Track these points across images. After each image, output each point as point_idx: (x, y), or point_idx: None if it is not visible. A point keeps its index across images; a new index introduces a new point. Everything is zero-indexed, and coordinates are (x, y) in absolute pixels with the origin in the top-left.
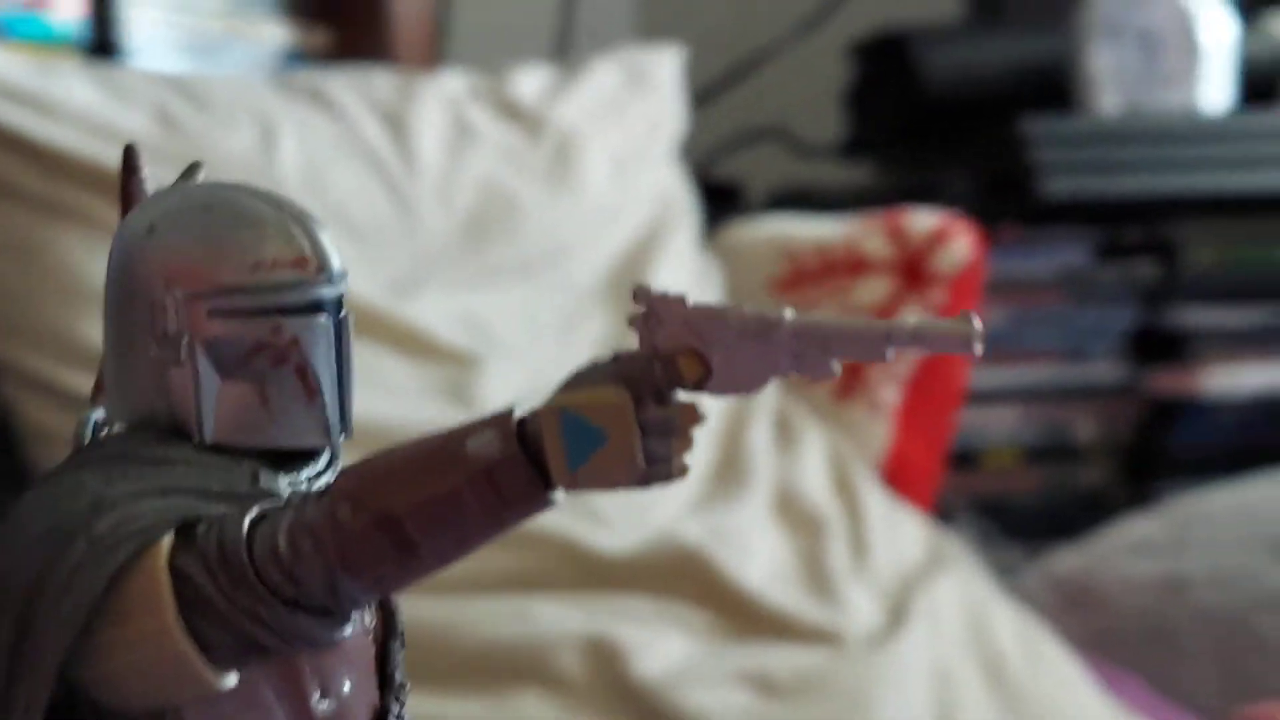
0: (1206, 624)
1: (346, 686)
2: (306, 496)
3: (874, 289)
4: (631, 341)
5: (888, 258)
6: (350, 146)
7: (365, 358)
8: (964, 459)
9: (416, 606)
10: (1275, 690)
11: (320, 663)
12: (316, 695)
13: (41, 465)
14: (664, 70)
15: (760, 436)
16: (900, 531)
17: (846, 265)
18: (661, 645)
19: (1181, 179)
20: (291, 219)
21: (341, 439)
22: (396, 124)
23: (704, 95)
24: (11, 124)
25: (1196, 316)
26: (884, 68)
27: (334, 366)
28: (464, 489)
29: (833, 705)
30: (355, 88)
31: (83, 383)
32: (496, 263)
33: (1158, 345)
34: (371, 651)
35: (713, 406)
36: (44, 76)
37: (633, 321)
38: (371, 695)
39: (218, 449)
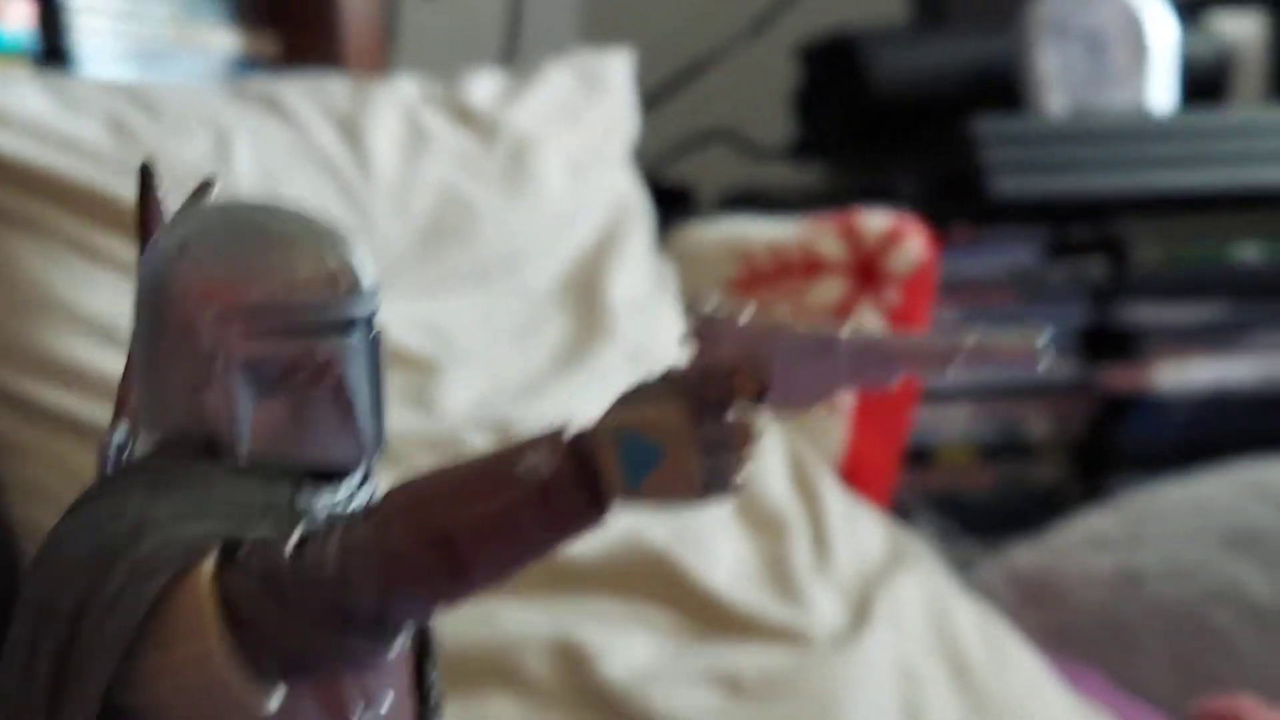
0: (1162, 617)
1: (388, 703)
2: (353, 516)
3: (829, 289)
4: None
5: (842, 259)
6: (305, 154)
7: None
8: (920, 457)
9: None
10: (1230, 682)
11: (362, 680)
12: (358, 711)
13: (4, 479)
14: (616, 73)
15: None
16: (861, 530)
17: (801, 266)
18: (628, 647)
19: (1129, 178)
20: (323, 237)
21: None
22: (351, 130)
23: (652, 98)
24: None
25: (1146, 313)
26: (832, 70)
27: (368, 384)
28: (518, 508)
29: (800, 705)
30: (309, 94)
31: (42, 393)
32: (454, 268)
33: (1108, 342)
34: (409, 668)
35: None
36: None
37: (686, 338)
38: (409, 711)
39: (253, 469)
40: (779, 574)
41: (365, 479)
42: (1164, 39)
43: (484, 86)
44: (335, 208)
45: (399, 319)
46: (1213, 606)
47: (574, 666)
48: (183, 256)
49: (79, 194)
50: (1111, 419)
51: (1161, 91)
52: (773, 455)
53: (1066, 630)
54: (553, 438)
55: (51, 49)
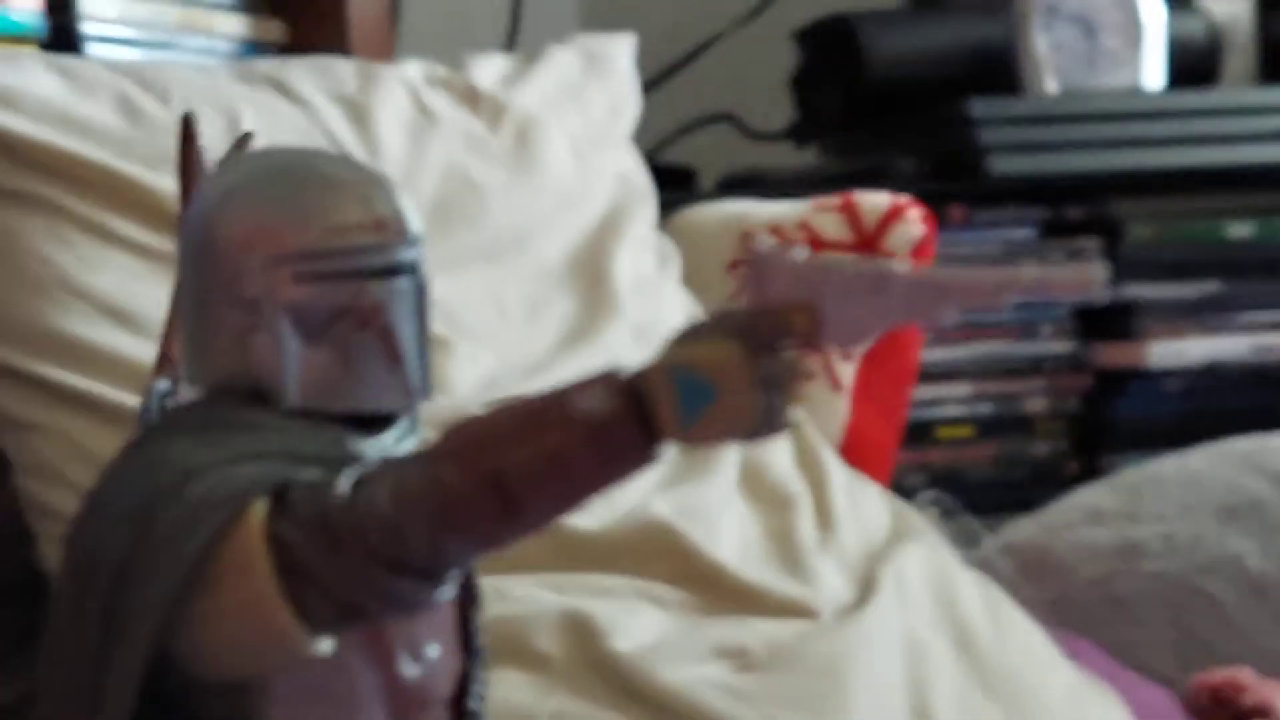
0: (1159, 590)
1: (434, 652)
2: (405, 459)
3: None
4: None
5: (843, 238)
6: (314, 135)
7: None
8: (919, 434)
9: None
10: (1227, 654)
11: (408, 628)
12: (404, 660)
13: (15, 456)
14: (619, 56)
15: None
16: (865, 506)
17: (802, 246)
18: (636, 621)
19: (1123, 158)
20: (369, 183)
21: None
22: (358, 112)
23: (652, 82)
24: None
25: (1140, 291)
26: (830, 53)
27: (414, 329)
28: (572, 448)
29: (807, 677)
30: (315, 76)
31: (53, 373)
32: (461, 248)
33: (1103, 320)
34: (455, 619)
35: None
36: (3, 68)
37: (739, 276)
38: (456, 661)
39: (301, 414)
40: (785, 549)
41: (412, 424)
42: (1155, 20)
43: (489, 68)
44: None
45: None
46: (1209, 579)
47: (583, 640)
48: (228, 204)
49: (89, 175)
50: (1107, 395)
51: (1153, 72)
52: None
53: (1065, 604)
54: (607, 378)
55: (59, 33)
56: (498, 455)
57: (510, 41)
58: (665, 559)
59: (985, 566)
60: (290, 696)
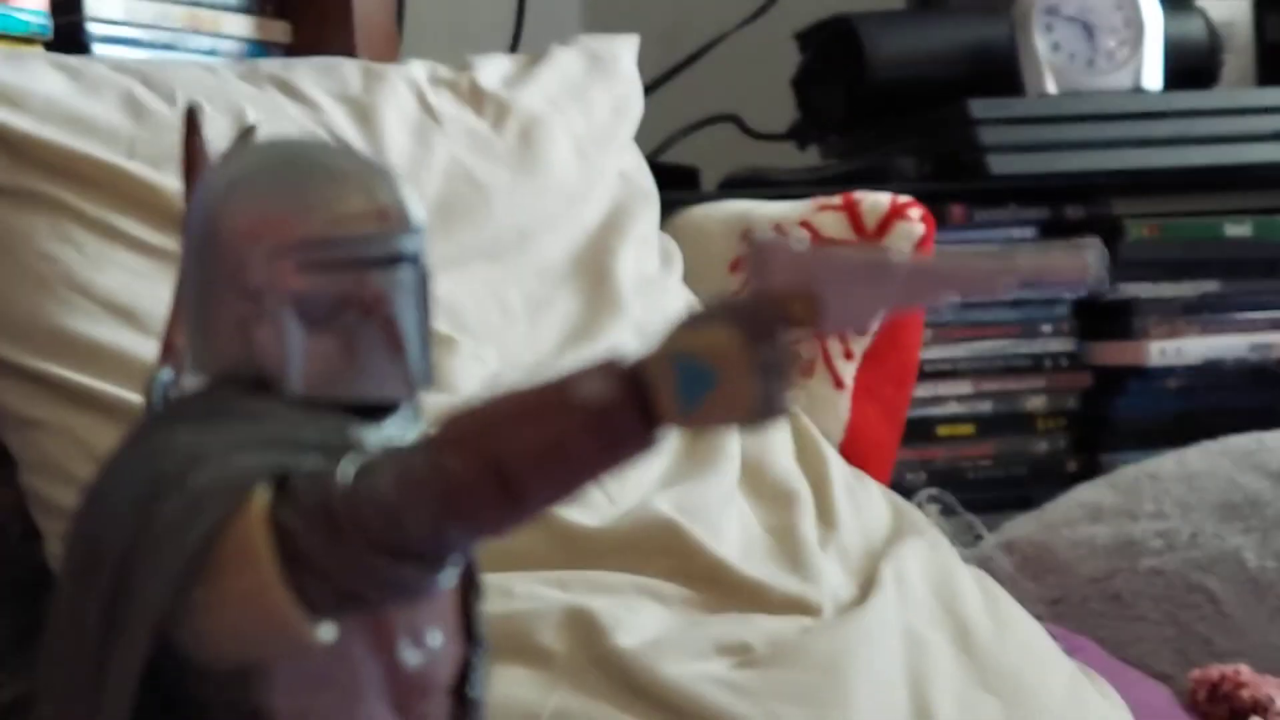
0: (1158, 587)
1: (437, 640)
2: (408, 447)
3: None
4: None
5: (844, 237)
6: (319, 135)
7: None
8: (920, 432)
9: None
10: (1226, 650)
11: (410, 616)
12: (406, 648)
13: (20, 453)
14: (622, 56)
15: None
16: (866, 503)
17: None
18: (639, 618)
19: (1123, 158)
20: (372, 172)
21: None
22: (363, 112)
23: (656, 82)
24: None
25: (1139, 290)
26: (832, 53)
27: (416, 319)
28: (574, 434)
29: (809, 673)
30: (320, 76)
31: (58, 371)
32: (465, 246)
33: (1103, 318)
34: (457, 607)
35: None
36: (9, 67)
37: (741, 264)
38: (458, 649)
39: (304, 403)
40: (786, 546)
41: (415, 413)
42: (1154, 21)
43: (493, 69)
44: None
45: None
46: (1208, 576)
47: (586, 637)
48: (232, 194)
49: (94, 174)
50: (1107, 394)
51: (1153, 73)
52: (779, 430)
53: (1064, 600)
54: (608, 365)
55: (65, 32)
56: (499, 442)
57: (514, 42)
58: (667, 556)
59: (985, 563)
60: (292, 684)
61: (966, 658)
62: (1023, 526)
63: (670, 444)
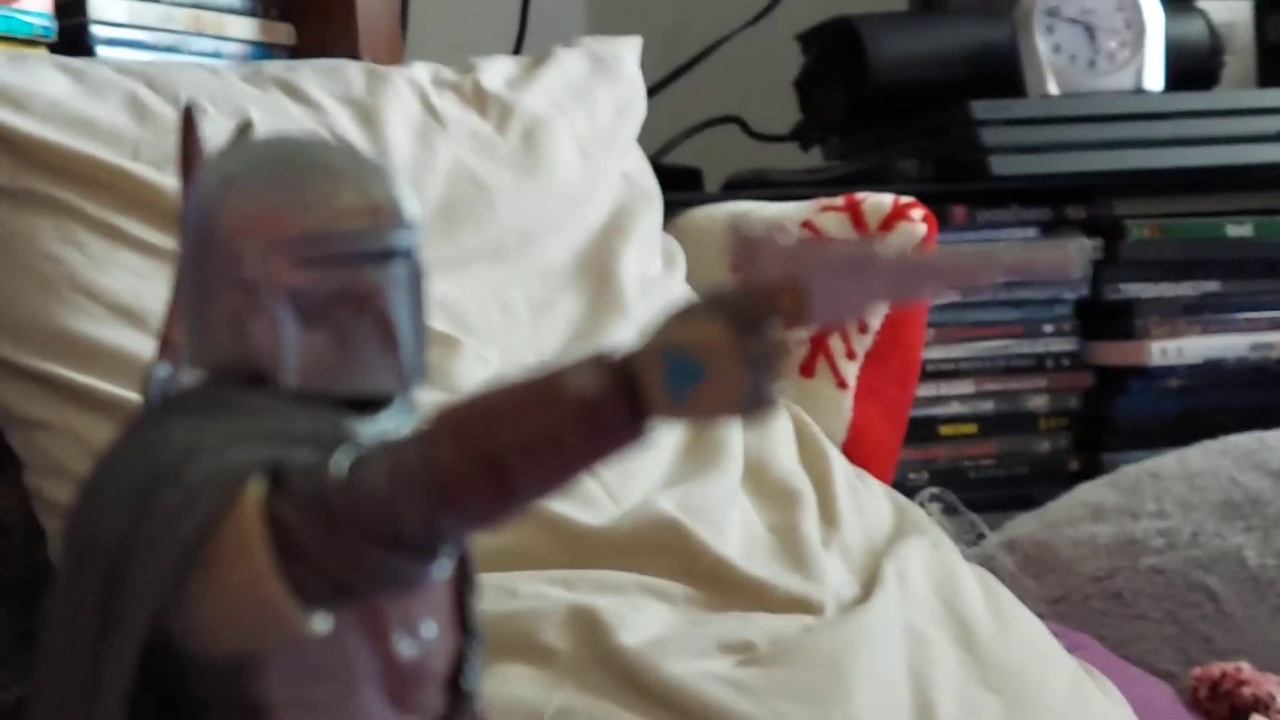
0: (1159, 585)
1: (431, 631)
2: (401, 440)
3: None
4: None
5: (846, 237)
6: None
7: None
8: (922, 432)
9: None
10: (1227, 648)
11: (404, 608)
12: (400, 639)
13: (24, 454)
14: (625, 58)
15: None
16: (868, 502)
17: None
18: (642, 617)
19: (1124, 159)
20: (366, 169)
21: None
22: (367, 114)
23: (659, 84)
24: None
25: (1141, 290)
26: (834, 55)
27: (410, 314)
28: (565, 426)
29: (811, 672)
30: (324, 79)
31: (63, 372)
32: (468, 248)
33: (1104, 319)
34: (451, 598)
35: None
36: (14, 69)
37: (731, 257)
38: (452, 641)
39: (298, 397)
40: (789, 545)
41: (409, 407)
42: (1155, 22)
43: (496, 70)
44: None
45: None
46: (1209, 574)
47: (589, 636)
48: (228, 190)
49: (98, 175)
50: (1108, 393)
51: (1154, 74)
52: (781, 429)
53: (1066, 599)
54: (598, 358)
55: (69, 35)
56: (492, 435)
57: (518, 44)
58: (671, 555)
59: (987, 562)
60: (288, 675)
61: (968, 656)
62: (1024, 525)
63: (673, 444)
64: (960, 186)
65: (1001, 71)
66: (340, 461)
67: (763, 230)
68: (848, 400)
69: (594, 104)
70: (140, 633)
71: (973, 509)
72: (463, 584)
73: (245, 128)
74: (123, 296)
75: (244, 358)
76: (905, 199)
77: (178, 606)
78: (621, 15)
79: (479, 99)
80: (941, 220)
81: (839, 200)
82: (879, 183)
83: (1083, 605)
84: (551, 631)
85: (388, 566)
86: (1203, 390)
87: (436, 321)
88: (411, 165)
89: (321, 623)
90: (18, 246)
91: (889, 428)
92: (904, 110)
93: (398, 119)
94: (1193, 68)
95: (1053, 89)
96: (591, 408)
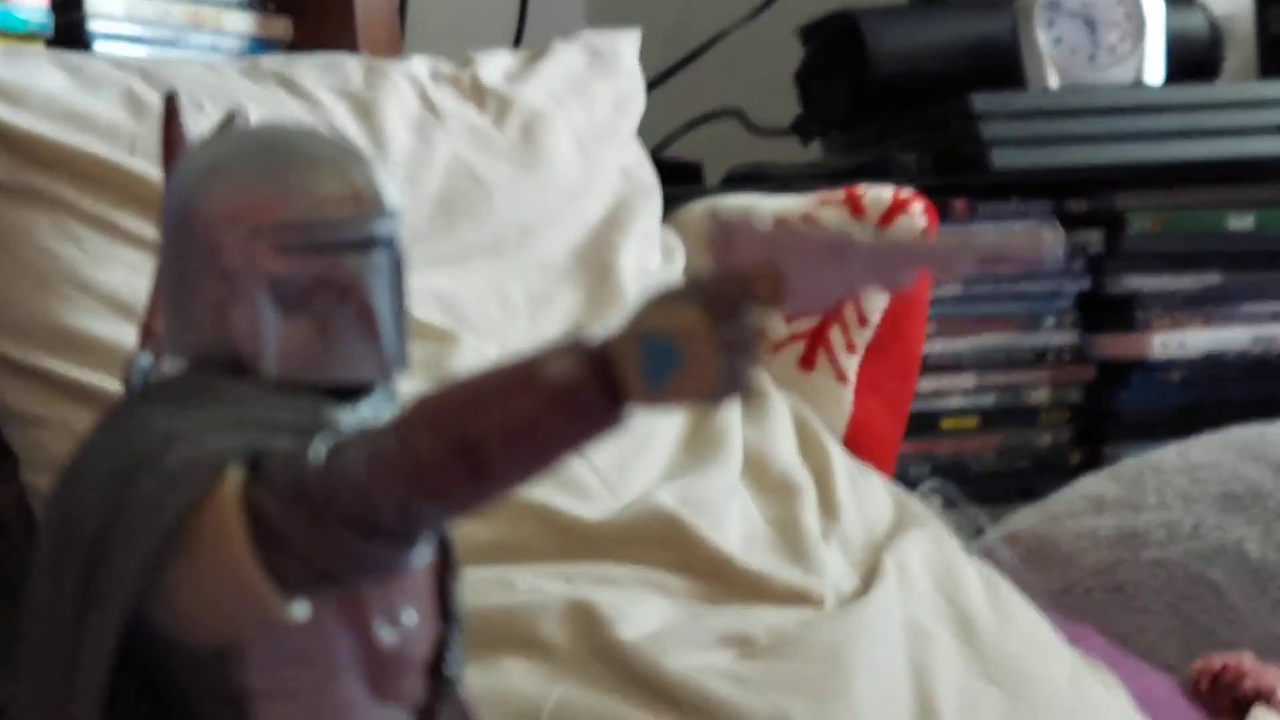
0: (1162, 577)
1: (411, 618)
2: (379, 428)
3: None
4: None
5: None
6: (320, 129)
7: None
8: (923, 425)
9: None
10: (1228, 640)
11: (384, 593)
12: (381, 626)
13: (22, 450)
14: (624, 52)
15: (730, 405)
16: (868, 495)
17: None
18: (642, 610)
19: (1125, 151)
20: (347, 157)
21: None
22: (364, 108)
23: (659, 78)
24: None
25: (1142, 283)
26: (834, 48)
27: (391, 303)
28: (541, 413)
29: (811, 664)
30: (321, 72)
31: (60, 368)
32: (467, 242)
33: (1106, 311)
34: (432, 585)
35: None
36: (11, 63)
37: (708, 244)
38: (433, 628)
39: (278, 385)
40: (789, 538)
41: (389, 396)
42: (1156, 15)
43: (495, 64)
44: None
45: (414, 291)
46: (1210, 566)
47: (589, 629)
48: (210, 178)
49: (95, 170)
50: (1110, 386)
51: (1154, 66)
52: (781, 423)
53: (1068, 591)
54: (575, 344)
55: (66, 30)
56: (468, 422)
57: (518, 38)
58: (670, 548)
59: (988, 555)
60: (268, 662)
61: (969, 649)
62: (1026, 519)
63: (673, 437)
64: (961, 179)
65: (1002, 64)
66: (319, 449)
67: (740, 217)
68: (848, 394)
69: (592, 98)
70: (118, 618)
71: (974, 502)
72: (444, 571)
73: (232, 118)
74: (120, 292)
75: (225, 346)
76: (906, 192)
77: (156, 593)
78: (621, 9)
79: (477, 93)
80: (942, 213)
81: (839, 193)
82: (879, 176)
83: (1084, 598)
84: (550, 625)
85: (366, 553)
86: (1204, 383)
87: (435, 316)
88: (410, 159)
89: (300, 610)
90: (14, 242)
91: (890, 421)
92: (904, 103)
93: (396, 113)
94: (1193, 60)
95: (1053, 82)
96: (568, 394)
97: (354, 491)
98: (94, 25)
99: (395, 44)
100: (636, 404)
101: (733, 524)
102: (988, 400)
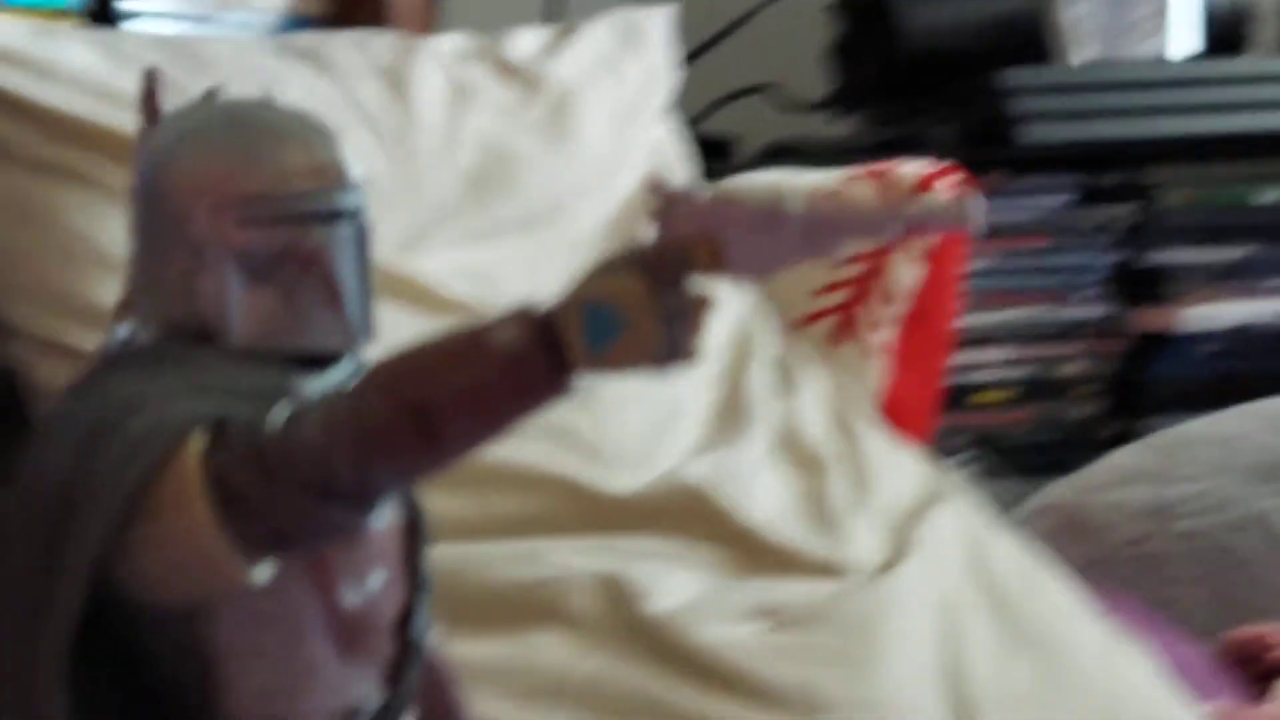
0: (1193, 549)
1: (377, 582)
2: (335, 393)
3: None
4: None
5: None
6: (350, 107)
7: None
8: (958, 398)
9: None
10: (1260, 610)
11: (351, 557)
12: (346, 589)
13: None
14: (656, 28)
15: (760, 379)
16: (900, 467)
17: None
18: (672, 582)
19: (1155, 125)
20: (312, 132)
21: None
22: (396, 84)
23: (693, 53)
24: (10, 87)
25: (1173, 256)
26: (866, 24)
27: (355, 274)
28: (488, 379)
29: (840, 636)
30: (354, 49)
31: (88, 342)
32: (499, 218)
33: (1138, 284)
34: (400, 550)
35: (712, 351)
36: (42, 39)
37: (650, 213)
38: (401, 593)
39: (245, 354)
40: (819, 510)
41: (355, 365)
42: None
43: (526, 41)
44: (381, 160)
45: (446, 266)
46: (1240, 537)
47: (619, 602)
48: (178, 150)
49: (125, 147)
50: (1142, 359)
51: (1182, 41)
52: (812, 395)
53: (1101, 563)
54: (521, 313)
55: (99, 7)
56: (419, 387)
57: (552, 16)
58: (700, 521)
59: (1021, 528)
60: (235, 624)
61: (1000, 620)
62: (1058, 491)
63: (703, 410)
64: (991, 154)
65: (1031, 40)
66: (278, 415)
67: (680, 187)
68: (881, 367)
69: (623, 74)
70: (82, 579)
71: (1008, 474)
72: (413, 536)
73: (210, 93)
74: None
75: (192, 315)
76: (935, 167)
77: (121, 555)
78: None
79: (508, 70)
80: (975, 189)
81: (869, 168)
82: (912, 151)
83: (1116, 570)
84: (580, 598)
85: (324, 516)
86: (1235, 355)
87: (467, 291)
88: (441, 136)
89: (262, 572)
90: (45, 219)
91: (925, 393)
92: (935, 79)
93: (427, 90)
94: (1221, 34)
95: (1083, 57)
96: (515, 360)
97: (311, 455)
98: (126, 2)
99: (429, 20)
100: (581, 370)
101: (762, 497)
102: (1021, 373)
